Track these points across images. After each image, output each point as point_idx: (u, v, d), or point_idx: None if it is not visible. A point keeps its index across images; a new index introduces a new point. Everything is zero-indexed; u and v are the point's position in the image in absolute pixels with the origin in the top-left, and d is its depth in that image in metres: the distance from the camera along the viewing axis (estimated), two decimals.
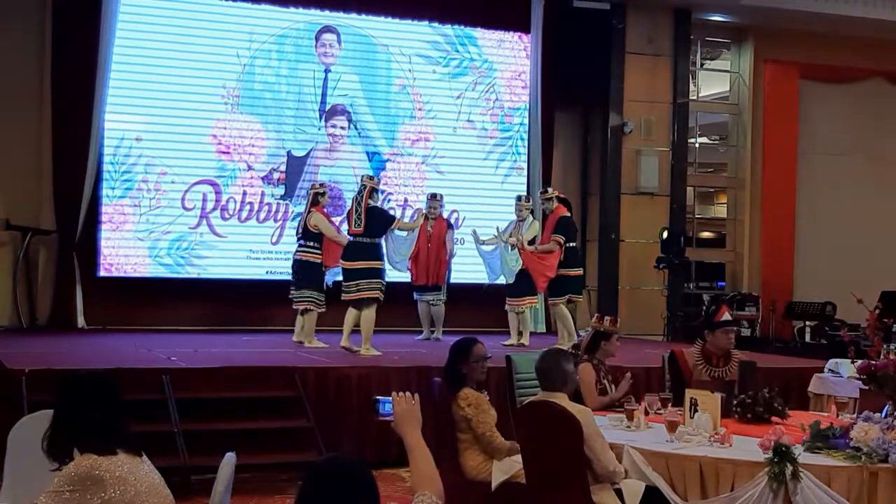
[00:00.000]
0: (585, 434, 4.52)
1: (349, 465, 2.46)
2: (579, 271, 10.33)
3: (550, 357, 4.97)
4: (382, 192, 12.13)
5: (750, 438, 4.76)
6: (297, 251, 9.69)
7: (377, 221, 9.09)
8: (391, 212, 10.40)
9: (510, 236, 10.34)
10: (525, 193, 11.53)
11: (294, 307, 9.62)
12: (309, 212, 9.62)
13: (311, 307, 9.49)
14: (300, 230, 9.72)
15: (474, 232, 10.73)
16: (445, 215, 12.16)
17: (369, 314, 8.92)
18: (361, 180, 9.43)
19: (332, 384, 7.70)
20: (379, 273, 8.99)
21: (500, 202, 12.58)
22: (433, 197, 10.99)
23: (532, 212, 10.68)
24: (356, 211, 9.03)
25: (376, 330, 11.13)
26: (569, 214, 10.28)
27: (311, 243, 9.48)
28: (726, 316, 6.16)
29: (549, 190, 10.61)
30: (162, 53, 11.18)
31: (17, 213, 10.79)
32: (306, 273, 9.50)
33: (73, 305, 10.69)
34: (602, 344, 6.17)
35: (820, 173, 14.24)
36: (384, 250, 9.25)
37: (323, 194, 9.78)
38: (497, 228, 10.50)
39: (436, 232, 10.82)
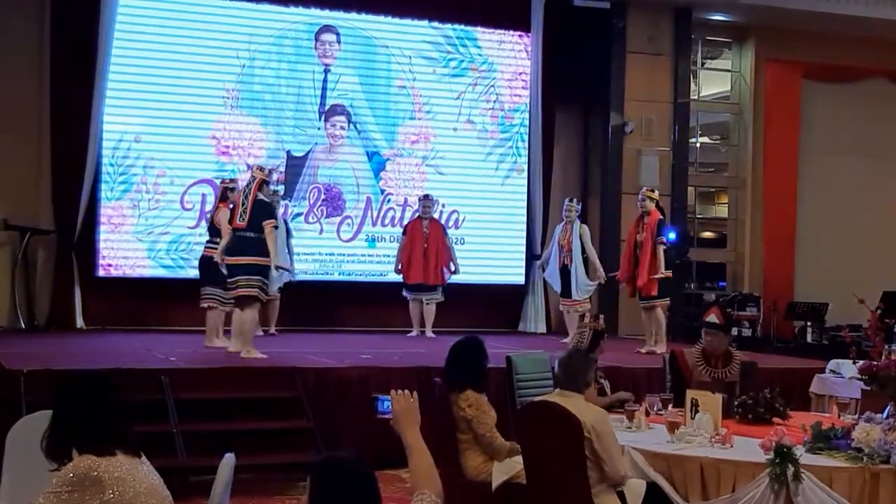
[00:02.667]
0: (601, 433, 4.50)
1: (355, 465, 2.46)
2: (669, 273, 10.40)
3: (581, 359, 4.97)
4: (384, 191, 12.14)
5: (751, 439, 4.76)
6: (204, 247, 9.42)
7: (262, 216, 8.32)
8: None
9: (564, 237, 10.71)
10: (574, 197, 11.50)
11: (200, 305, 9.35)
12: (217, 207, 9.37)
13: (214, 304, 9.19)
14: (208, 225, 9.52)
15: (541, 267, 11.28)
16: (447, 216, 12.21)
17: (248, 314, 8.28)
18: (251, 171, 8.86)
19: (332, 384, 7.70)
20: (261, 271, 8.25)
21: (500, 202, 12.59)
22: (426, 198, 11.16)
23: (579, 214, 10.95)
24: (242, 204, 8.34)
25: (376, 330, 11.09)
26: (662, 217, 10.47)
27: (217, 240, 9.01)
28: (711, 317, 6.17)
29: (656, 191, 10.73)
30: (162, 53, 11.15)
31: (16, 213, 10.76)
32: (209, 270, 9.09)
33: (71, 306, 10.66)
34: (601, 342, 6.25)
35: (821, 173, 14.21)
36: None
37: (232, 189, 9.18)
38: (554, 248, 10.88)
39: (431, 233, 10.92)
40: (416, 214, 11.26)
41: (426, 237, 10.87)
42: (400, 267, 10.98)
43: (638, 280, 10.22)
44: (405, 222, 12.09)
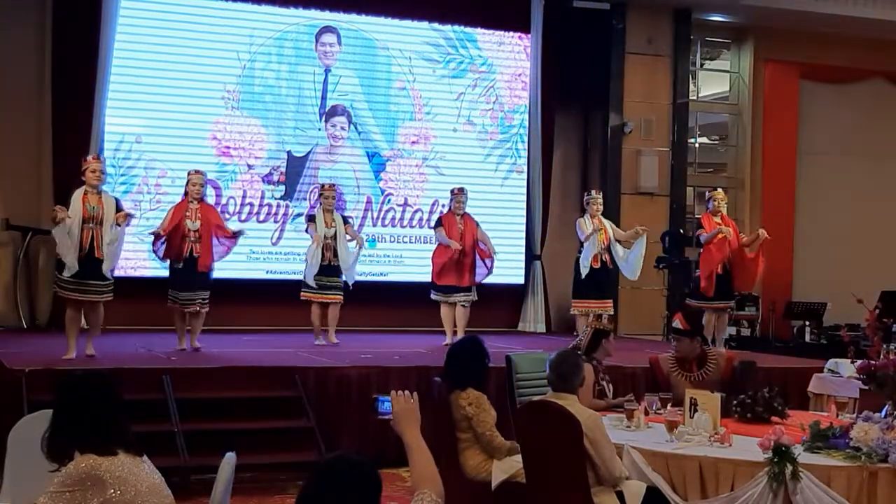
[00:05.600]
0: (593, 439, 4.52)
1: (351, 464, 2.47)
2: None
3: (571, 359, 4.98)
4: (384, 191, 12.15)
5: (750, 438, 4.77)
6: None
7: None
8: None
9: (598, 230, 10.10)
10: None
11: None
12: None
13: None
14: None
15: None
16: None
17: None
18: None
19: (332, 384, 7.72)
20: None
21: (499, 202, 12.59)
22: (460, 191, 10.26)
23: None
24: None
25: (376, 330, 11.04)
26: None
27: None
28: (675, 323, 6.19)
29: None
30: (162, 53, 11.17)
31: (17, 213, 10.78)
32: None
33: None
34: (603, 343, 6.18)
35: (820, 173, 14.24)
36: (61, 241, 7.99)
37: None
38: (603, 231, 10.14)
39: (467, 230, 10.07)
40: (448, 209, 10.41)
41: (461, 234, 9.99)
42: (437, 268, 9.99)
43: (746, 280, 10.38)
44: (405, 222, 12.13)
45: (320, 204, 9.97)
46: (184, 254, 8.80)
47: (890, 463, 4.40)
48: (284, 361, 8.12)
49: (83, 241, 7.98)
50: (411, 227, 12.18)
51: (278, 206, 11.66)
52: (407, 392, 3.02)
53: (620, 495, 4.59)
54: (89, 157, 8.44)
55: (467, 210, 10.07)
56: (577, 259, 10.27)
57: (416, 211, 12.17)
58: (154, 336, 9.82)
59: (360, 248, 9.98)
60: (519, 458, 4.95)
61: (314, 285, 9.56)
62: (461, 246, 9.87)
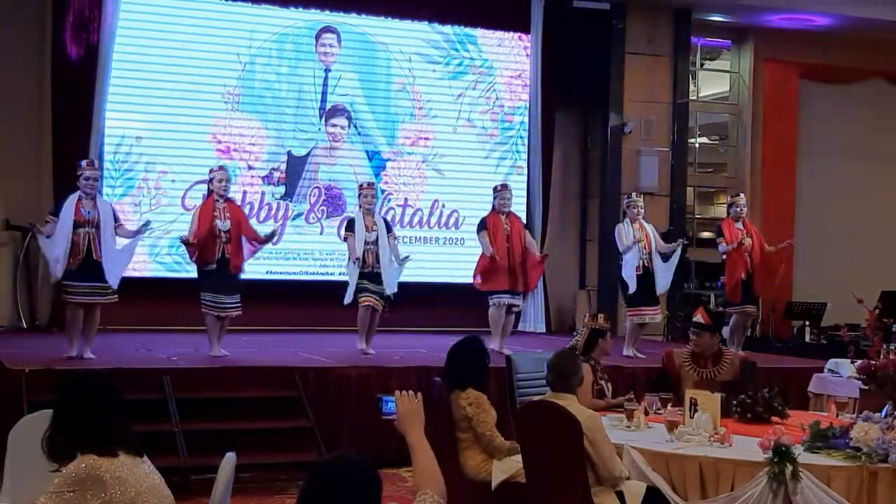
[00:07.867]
0: (593, 439, 4.53)
1: (351, 464, 2.47)
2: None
3: (569, 359, 4.98)
4: (384, 191, 12.14)
5: (750, 438, 4.78)
6: None
7: None
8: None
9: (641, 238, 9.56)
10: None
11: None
12: None
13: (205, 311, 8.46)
14: None
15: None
16: (447, 216, 12.21)
17: None
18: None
19: (332, 384, 7.73)
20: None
21: None
22: (503, 188, 9.58)
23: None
24: None
25: (376, 329, 11.03)
26: None
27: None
28: (696, 318, 6.20)
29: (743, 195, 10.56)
30: (162, 53, 11.17)
31: (17, 213, 10.77)
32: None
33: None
34: (599, 342, 6.19)
35: (820, 173, 14.23)
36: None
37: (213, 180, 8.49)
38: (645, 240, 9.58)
39: (514, 231, 9.46)
40: (492, 208, 9.65)
41: (508, 236, 9.35)
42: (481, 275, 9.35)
43: (765, 283, 10.22)
44: (405, 222, 12.12)
45: (359, 205, 9.20)
46: (216, 256, 8.30)
47: (890, 463, 4.40)
48: (284, 361, 8.13)
49: (79, 245, 7.81)
50: (411, 227, 12.19)
51: (278, 206, 11.66)
52: (411, 392, 3.02)
53: (620, 495, 4.59)
54: (83, 163, 8.23)
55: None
56: (621, 267, 9.76)
57: (416, 211, 12.17)
58: (154, 336, 9.83)
59: (403, 263, 9.18)
60: (519, 458, 4.95)
61: (358, 296, 8.93)
62: (492, 252, 9.16)
